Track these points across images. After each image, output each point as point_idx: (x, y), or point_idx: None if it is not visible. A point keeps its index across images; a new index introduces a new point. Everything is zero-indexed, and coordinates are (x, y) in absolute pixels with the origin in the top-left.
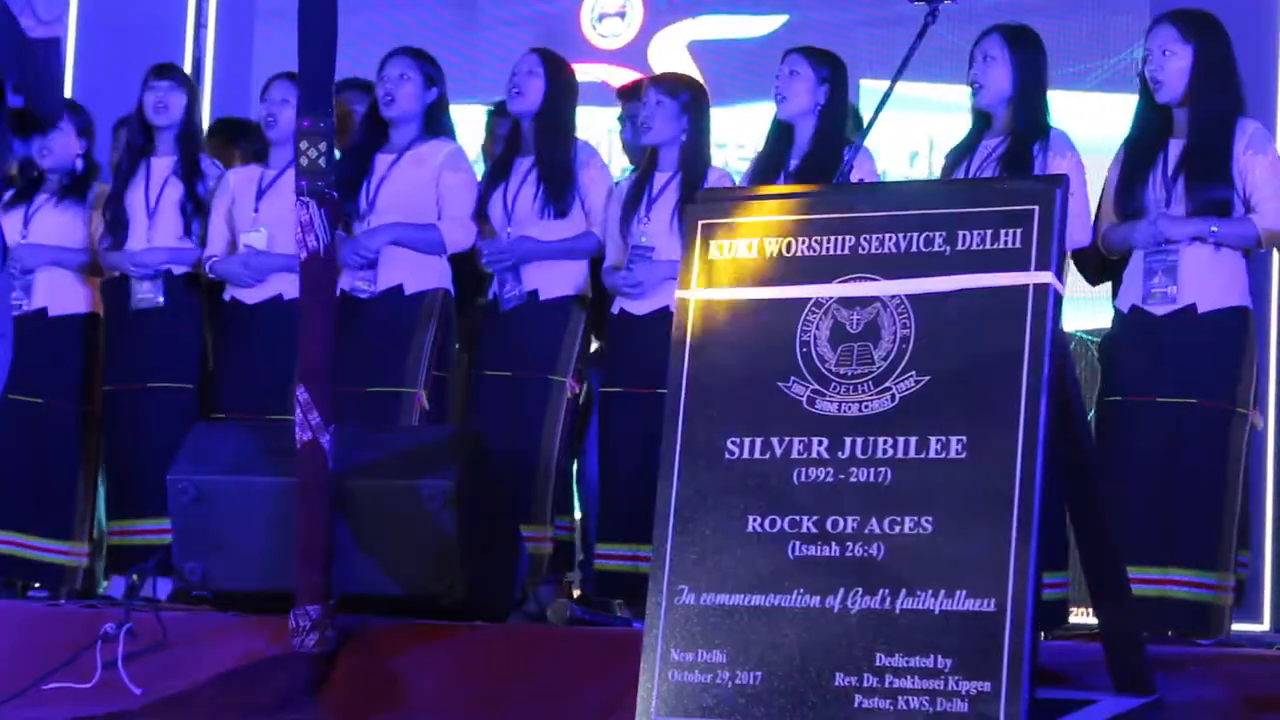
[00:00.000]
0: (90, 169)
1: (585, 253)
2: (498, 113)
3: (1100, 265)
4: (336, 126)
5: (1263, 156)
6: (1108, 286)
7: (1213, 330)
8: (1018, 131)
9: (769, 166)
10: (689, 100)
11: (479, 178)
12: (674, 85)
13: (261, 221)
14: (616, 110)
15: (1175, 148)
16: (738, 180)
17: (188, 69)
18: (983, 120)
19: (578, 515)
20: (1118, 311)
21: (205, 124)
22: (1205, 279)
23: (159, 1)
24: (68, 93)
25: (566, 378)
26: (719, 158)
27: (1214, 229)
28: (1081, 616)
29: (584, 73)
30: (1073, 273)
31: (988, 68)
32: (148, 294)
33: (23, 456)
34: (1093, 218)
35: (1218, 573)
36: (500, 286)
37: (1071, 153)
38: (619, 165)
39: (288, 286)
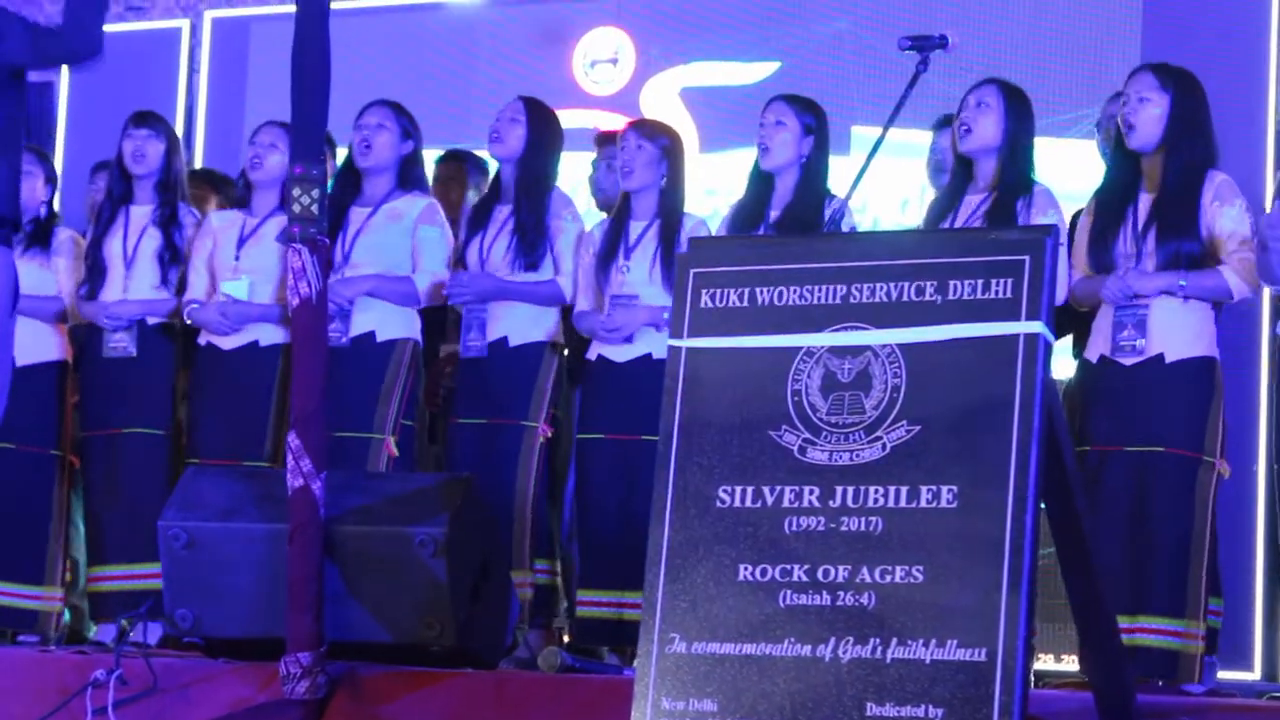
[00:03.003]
0: (52, 216)
1: (548, 299)
2: (456, 157)
3: (1066, 317)
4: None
5: (1229, 208)
6: (1069, 337)
7: (1181, 380)
8: (1004, 185)
9: (749, 216)
10: (668, 146)
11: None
12: (653, 130)
13: (243, 269)
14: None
15: (1145, 201)
16: (713, 229)
17: (180, 115)
18: (965, 171)
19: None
20: (1085, 361)
21: (199, 166)
22: (1173, 330)
23: (152, 46)
24: (59, 136)
25: (539, 423)
26: (709, 204)
27: (1182, 283)
28: (1045, 663)
29: (575, 118)
30: None
31: (979, 113)
32: (119, 343)
33: None
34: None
35: (1185, 620)
36: (464, 333)
37: (1054, 210)
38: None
39: (264, 333)
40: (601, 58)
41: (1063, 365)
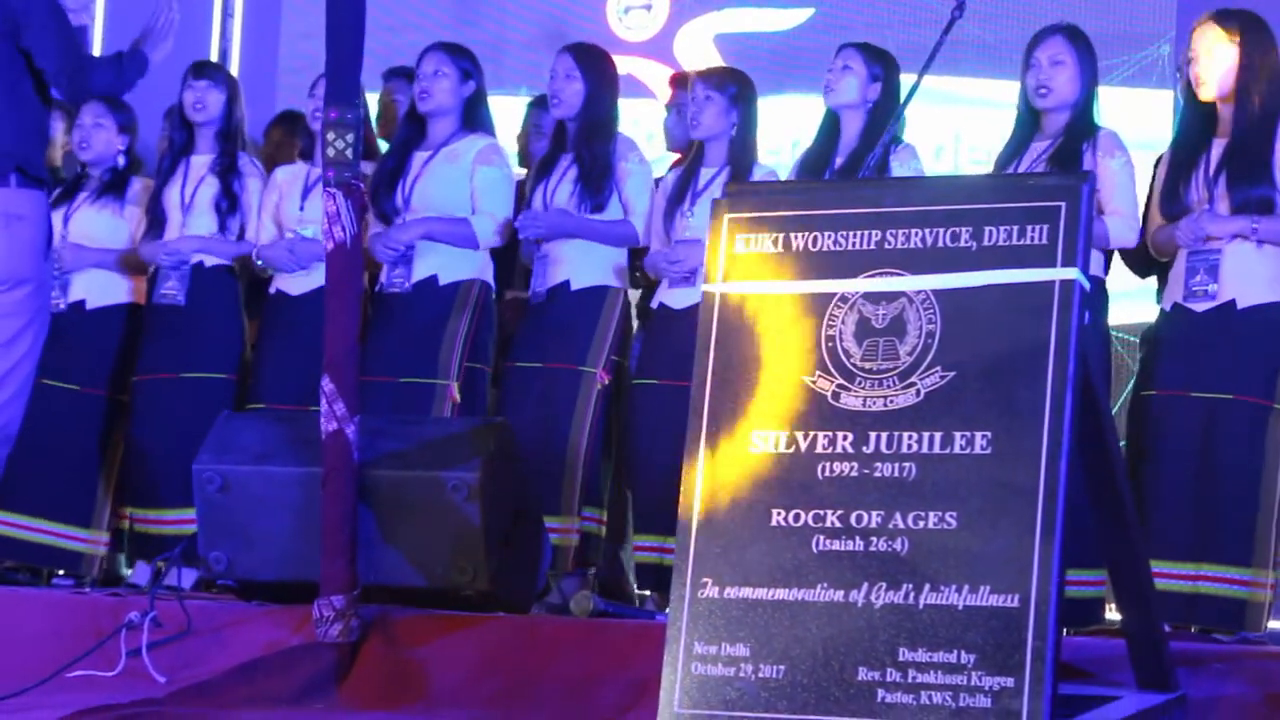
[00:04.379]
0: (133, 164)
1: (621, 239)
2: (537, 104)
3: (1148, 261)
4: (383, 116)
5: None
6: (1153, 284)
7: (1252, 325)
8: (1071, 131)
9: (816, 162)
10: (736, 94)
11: (514, 170)
12: (721, 79)
13: (307, 219)
14: (643, 103)
15: (1218, 147)
16: (784, 176)
17: (213, 58)
18: (1034, 120)
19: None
20: (1161, 310)
21: None
22: (1246, 275)
23: None
24: None
25: (597, 369)
26: None
27: (1255, 226)
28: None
29: None
30: (1117, 266)
31: (1056, 72)
32: (170, 289)
33: (49, 443)
34: (1141, 219)
35: (1253, 569)
36: (535, 278)
37: (1120, 151)
38: (657, 150)
39: None
40: (635, 4)
41: (1146, 311)
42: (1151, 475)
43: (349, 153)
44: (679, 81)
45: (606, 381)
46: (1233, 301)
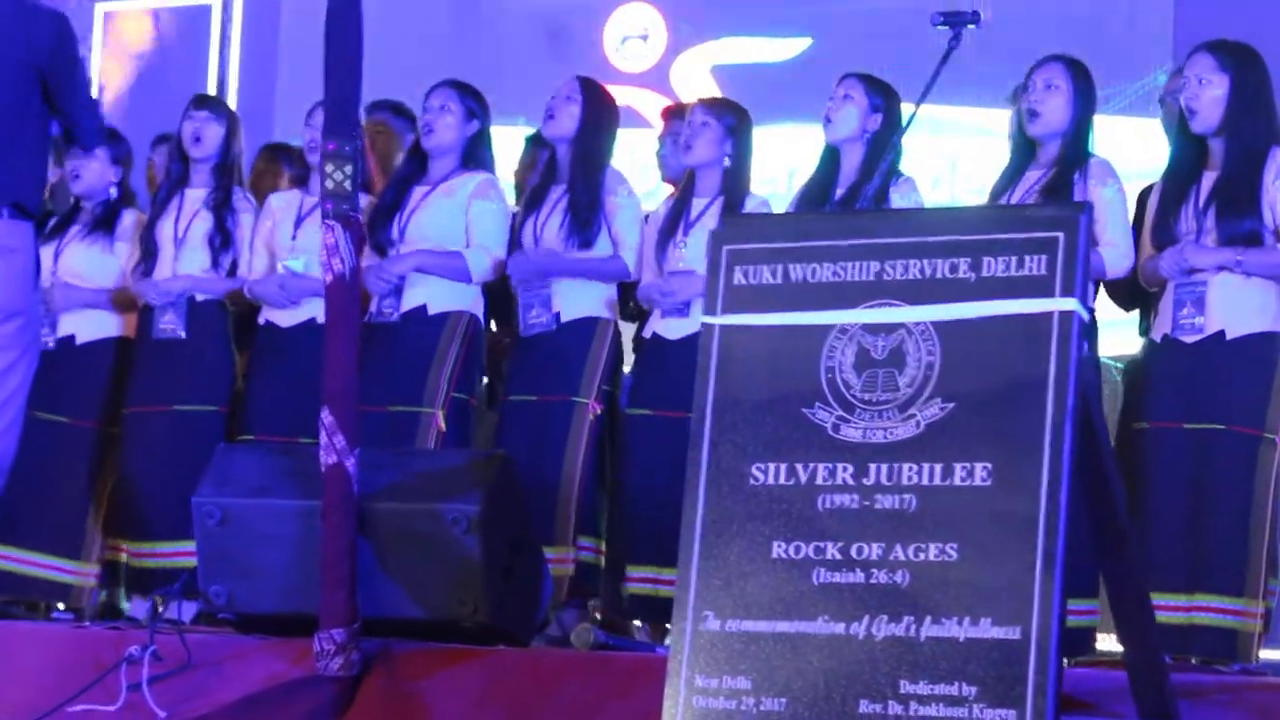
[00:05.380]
0: (125, 197)
1: (612, 275)
2: (535, 142)
3: (1133, 292)
4: (367, 144)
5: None
6: (1136, 313)
7: (1242, 356)
8: (1064, 161)
9: (816, 194)
10: (734, 124)
11: (510, 204)
12: (720, 108)
13: (300, 247)
14: (639, 133)
15: (1208, 180)
16: (781, 207)
17: (211, 90)
18: (1029, 149)
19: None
20: (1149, 340)
21: None
22: (1233, 306)
23: (184, 21)
24: None
25: (589, 399)
26: None
27: (1240, 258)
28: (1109, 643)
29: None
30: (1103, 297)
31: (1048, 96)
32: (169, 324)
33: (38, 474)
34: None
35: (1245, 599)
36: (525, 311)
37: (1113, 180)
38: (651, 181)
39: (322, 311)
40: (632, 34)
41: (1133, 342)
42: (1145, 507)
43: (347, 184)
44: (674, 113)
45: (599, 412)
46: (1222, 332)
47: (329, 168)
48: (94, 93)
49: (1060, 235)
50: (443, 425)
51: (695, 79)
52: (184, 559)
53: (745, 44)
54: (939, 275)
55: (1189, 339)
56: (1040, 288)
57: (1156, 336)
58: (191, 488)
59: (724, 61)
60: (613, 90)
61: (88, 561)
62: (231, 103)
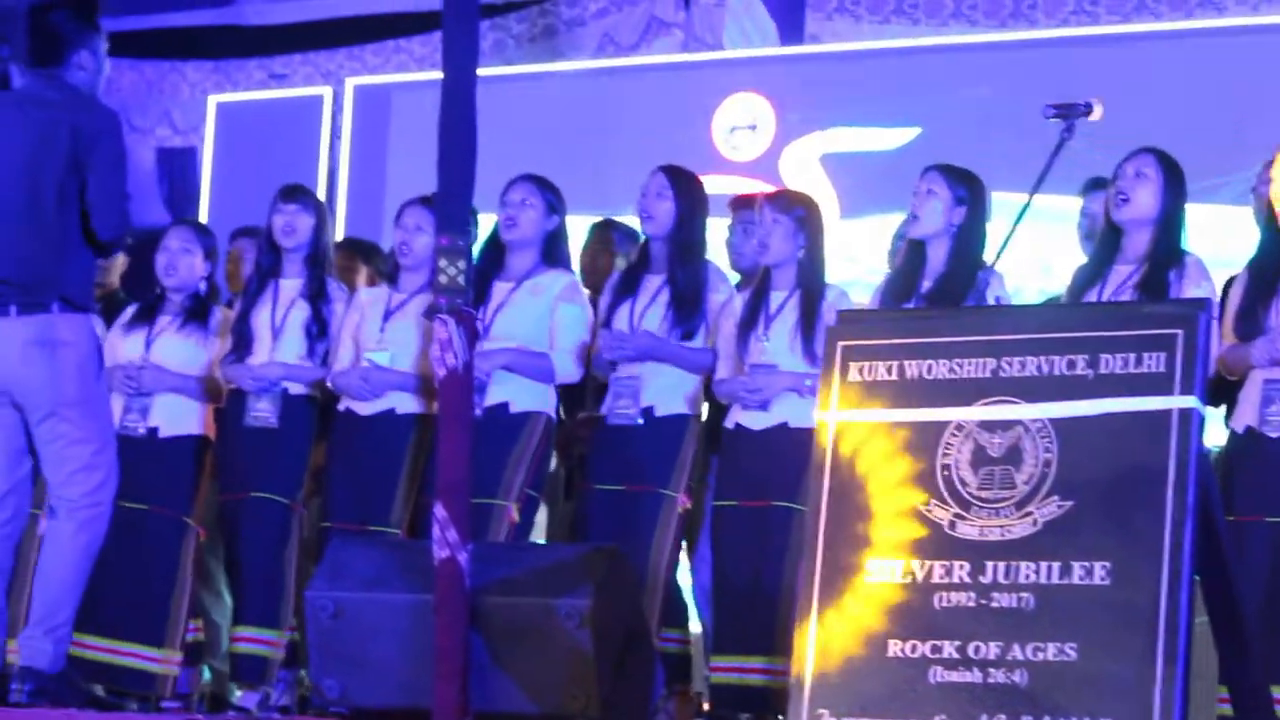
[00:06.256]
0: (212, 292)
1: (700, 366)
2: (601, 226)
3: (1216, 388)
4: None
5: None
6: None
7: None
8: (1156, 257)
9: (901, 287)
10: (804, 216)
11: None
12: (788, 202)
13: (386, 341)
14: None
15: None
16: (856, 299)
17: (322, 182)
18: (1114, 239)
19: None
20: (1232, 432)
21: (340, 236)
22: None
23: (294, 113)
24: (203, 203)
25: (679, 493)
26: (850, 271)
27: None
28: None
29: (715, 185)
30: None
31: (1138, 184)
32: (262, 412)
33: (122, 563)
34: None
35: None
36: (614, 400)
37: (1207, 282)
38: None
39: (401, 401)
40: (741, 124)
41: (1214, 432)
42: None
43: (460, 279)
44: (742, 203)
45: (688, 505)
46: None
47: (442, 262)
48: (133, 187)
49: (1180, 333)
50: (516, 517)
51: (804, 168)
52: (263, 646)
53: (854, 133)
54: (1056, 372)
55: (1275, 434)
56: (1159, 385)
57: (1239, 428)
58: (264, 575)
59: (832, 150)
60: (721, 180)
61: (170, 648)
62: (341, 193)
